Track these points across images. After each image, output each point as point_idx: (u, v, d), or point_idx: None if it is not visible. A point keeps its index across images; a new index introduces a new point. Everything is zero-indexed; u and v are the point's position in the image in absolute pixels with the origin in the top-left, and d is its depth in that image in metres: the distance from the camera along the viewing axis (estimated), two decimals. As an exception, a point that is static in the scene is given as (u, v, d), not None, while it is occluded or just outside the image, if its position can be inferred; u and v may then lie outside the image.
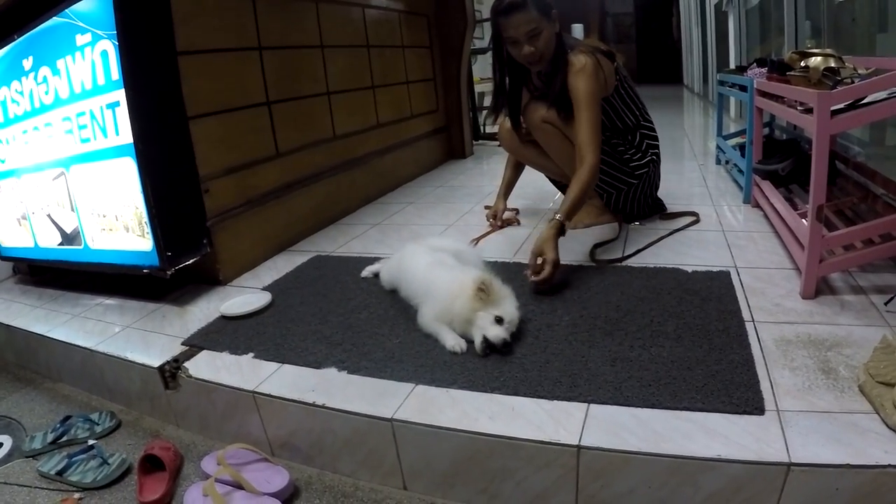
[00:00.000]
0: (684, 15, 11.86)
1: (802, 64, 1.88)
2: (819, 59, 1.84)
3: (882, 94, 1.38)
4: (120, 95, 1.64)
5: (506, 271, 1.54)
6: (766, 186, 2.11)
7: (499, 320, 1.31)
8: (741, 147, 2.68)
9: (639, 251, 1.90)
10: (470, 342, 1.33)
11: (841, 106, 1.41)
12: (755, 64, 2.55)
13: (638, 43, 16.54)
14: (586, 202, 2.07)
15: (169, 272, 1.73)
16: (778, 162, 2.13)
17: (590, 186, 1.89)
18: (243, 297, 1.75)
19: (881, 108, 1.37)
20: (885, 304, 1.39)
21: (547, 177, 2.46)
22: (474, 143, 4.36)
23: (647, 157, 2.14)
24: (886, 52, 2.30)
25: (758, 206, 2.28)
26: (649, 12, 16.31)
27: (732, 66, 4.77)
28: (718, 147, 3.25)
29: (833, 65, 1.79)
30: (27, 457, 1.42)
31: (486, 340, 1.29)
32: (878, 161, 2.24)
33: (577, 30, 11.88)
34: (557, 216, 1.74)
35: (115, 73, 1.63)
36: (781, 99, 1.95)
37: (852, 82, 1.62)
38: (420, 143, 3.63)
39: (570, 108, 1.97)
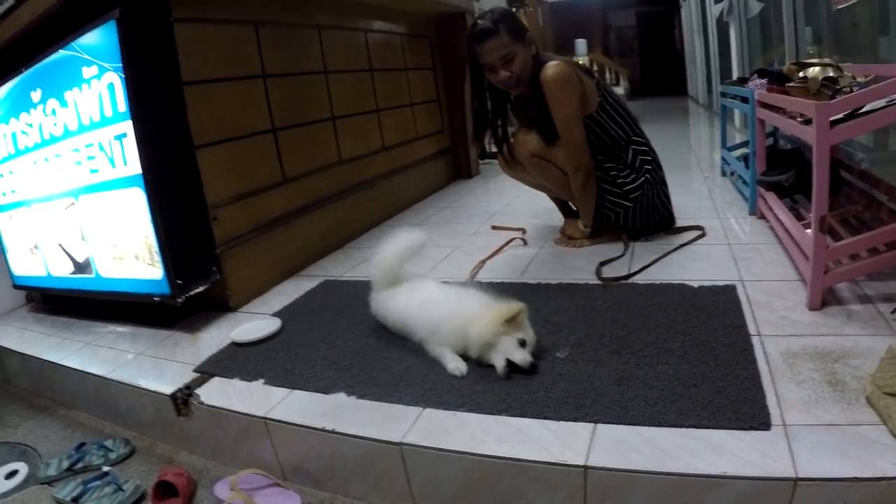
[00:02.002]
0: (686, 26, 11.90)
1: (801, 75, 1.92)
2: (817, 69, 1.88)
3: (881, 103, 1.39)
4: (127, 127, 1.68)
5: (513, 292, 1.54)
6: (771, 198, 2.12)
7: (522, 343, 1.32)
8: (746, 158, 2.69)
9: (644, 268, 1.91)
10: (485, 366, 1.34)
11: (840, 116, 1.41)
12: (756, 75, 2.56)
13: (641, 56, 16.67)
14: (589, 222, 2.15)
15: (180, 300, 1.76)
16: (782, 173, 2.14)
17: (589, 187, 2.06)
18: (253, 323, 1.77)
19: (880, 117, 1.38)
20: (893, 312, 1.39)
21: (549, 196, 2.48)
22: (480, 162, 4.40)
23: (641, 176, 2.14)
24: (889, 55, 2.32)
25: (763, 217, 2.29)
26: (652, 25, 16.46)
27: (735, 76, 4.79)
28: (723, 159, 3.26)
29: (831, 74, 1.83)
30: (43, 483, 1.44)
31: (509, 364, 1.30)
32: (883, 166, 2.25)
33: (581, 45, 11.99)
34: (583, 228, 2.09)
35: (122, 105, 1.67)
36: (782, 110, 1.95)
37: (851, 91, 1.64)
38: (426, 164, 3.66)
39: (552, 128, 2.03)
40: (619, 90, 7.72)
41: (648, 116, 8.60)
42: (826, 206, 1.41)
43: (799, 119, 1.69)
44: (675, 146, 4.96)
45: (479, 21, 2.00)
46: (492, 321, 1.34)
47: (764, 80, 2.36)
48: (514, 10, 11.60)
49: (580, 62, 9.06)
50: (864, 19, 2.53)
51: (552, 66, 1.97)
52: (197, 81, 1.90)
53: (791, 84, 1.93)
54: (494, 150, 2.33)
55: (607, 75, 12.41)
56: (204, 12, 1.96)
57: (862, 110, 1.41)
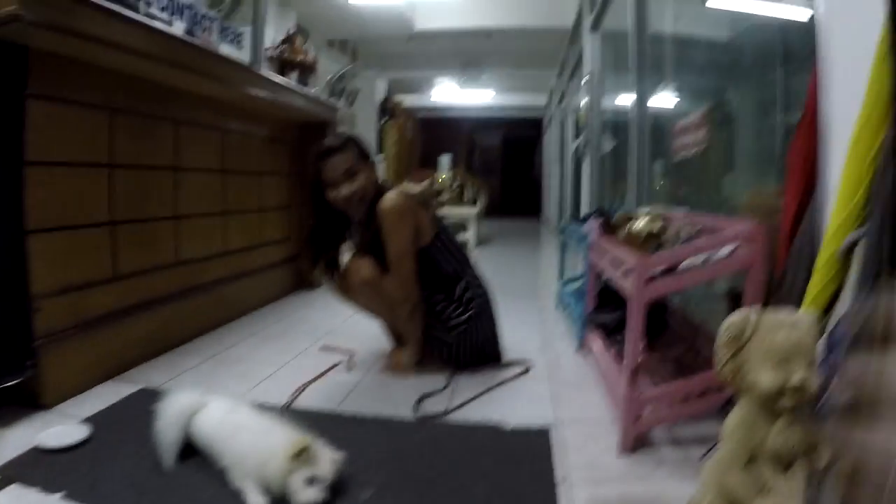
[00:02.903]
0: (547, 153, 13.09)
1: (628, 227, 2.17)
2: (644, 221, 2.13)
3: (699, 259, 1.67)
4: None
5: (329, 422, 1.66)
6: (595, 337, 2.43)
7: (311, 481, 1.37)
8: (579, 293, 3.01)
9: (462, 405, 2.08)
10: None
11: (658, 271, 1.65)
12: (595, 214, 2.90)
13: (503, 176, 17.93)
14: (415, 353, 2.39)
15: (-13, 392, 1.78)
16: (610, 312, 2.45)
17: (415, 319, 2.31)
18: (63, 427, 1.81)
19: (697, 274, 1.66)
20: (701, 458, 1.52)
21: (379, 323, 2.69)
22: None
23: (468, 310, 2.39)
24: (731, 190, 2.73)
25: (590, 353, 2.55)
26: (515, 148, 17.99)
27: (585, 205, 5.36)
28: (560, 291, 3.66)
29: (656, 229, 2.09)
30: None
31: None
32: (710, 302, 2.53)
33: (445, 160, 12.75)
34: (409, 358, 2.31)
35: None
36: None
37: (674, 246, 1.93)
38: (269, 271, 3.82)
39: (385, 256, 2.28)
40: (476, 208, 8.31)
41: (501, 237, 9.31)
42: (638, 357, 1.68)
43: (621, 270, 1.88)
44: (520, 271, 5.53)
45: (326, 140, 2.29)
46: (280, 457, 1.38)
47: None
48: (384, 121, 12.23)
49: (442, 177, 9.46)
50: (711, 161, 2.90)
51: (390, 198, 2.23)
52: (41, 163, 1.99)
53: (617, 235, 2.24)
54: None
55: (467, 192, 13.20)
56: (61, 91, 2.07)
57: (680, 267, 1.66)
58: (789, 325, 1.09)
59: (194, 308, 2.93)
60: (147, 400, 2.08)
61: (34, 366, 1.94)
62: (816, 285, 1.28)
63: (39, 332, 1.98)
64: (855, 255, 1.20)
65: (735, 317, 1.14)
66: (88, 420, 1.91)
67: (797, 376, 1.04)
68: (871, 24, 1.21)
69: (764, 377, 1.07)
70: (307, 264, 2.52)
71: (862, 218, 1.19)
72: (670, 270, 1.68)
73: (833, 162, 1.35)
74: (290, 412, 1.74)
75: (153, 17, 2.63)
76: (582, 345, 2.70)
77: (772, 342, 1.07)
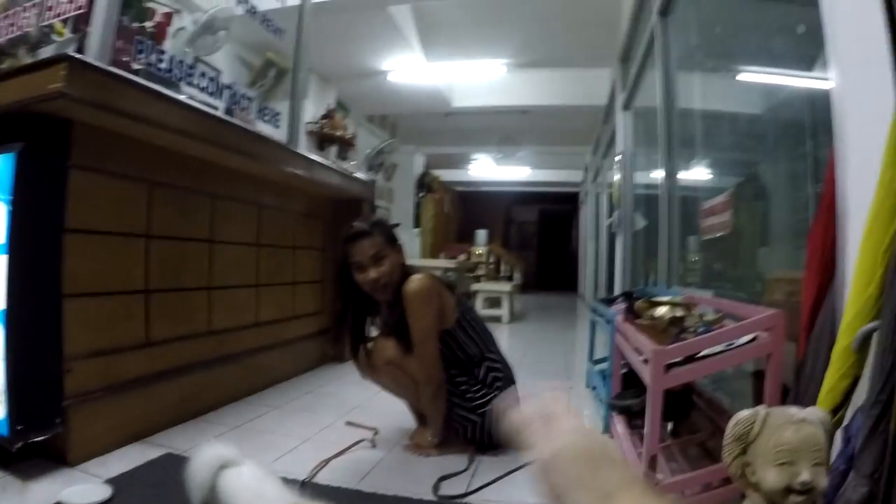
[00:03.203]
0: (583, 228, 13.10)
1: (650, 313, 2.17)
2: (665, 308, 2.12)
3: (719, 347, 1.67)
4: (1, 260, 1.84)
5: (349, 499, 1.64)
6: (620, 421, 2.41)
7: None
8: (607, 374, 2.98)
9: (483, 487, 2.07)
10: None
11: (678, 359, 1.65)
12: (622, 298, 2.92)
13: (539, 251, 17.90)
14: (438, 433, 2.39)
15: (16, 446, 1.85)
16: (634, 396, 2.42)
17: (438, 399, 2.31)
18: (85, 486, 1.86)
19: (716, 363, 1.65)
20: None
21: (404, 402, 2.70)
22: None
23: (492, 391, 2.40)
24: (766, 265, 2.70)
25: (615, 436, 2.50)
26: (552, 223, 18.00)
27: (619, 282, 5.33)
28: (589, 371, 3.64)
29: (679, 314, 2.08)
30: None
31: None
32: (740, 382, 2.47)
33: (481, 235, 12.91)
34: (431, 438, 2.26)
35: (2, 237, 1.85)
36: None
37: (696, 332, 1.92)
38: (299, 343, 3.87)
39: (410, 338, 2.32)
40: (511, 283, 8.32)
41: (536, 312, 9.23)
42: (657, 444, 1.66)
43: (641, 357, 1.89)
44: (552, 347, 5.45)
45: (355, 224, 2.35)
46: None
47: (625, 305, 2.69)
48: (422, 195, 12.45)
49: (478, 252, 9.58)
50: (746, 235, 2.89)
51: (416, 280, 2.31)
52: (81, 230, 2.10)
53: (640, 321, 2.24)
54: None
55: (503, 267, 13.29)
56: (102, 163, 2.20)
57: (699, 354, 1.67)
58: (797, 422, 1.08)
59: (223, 377, 2.97)
60: (171, 465, 2.14)
61: (62, 423, 2.00)
62: (832, 377, 1.28)
63: (69, 392, 2.04)
64: (871, 346, 1.19)
65: (743, 414, 1.14)
66: (111, 481, 1.94)
67: (802, 476, 1.03)
68: (888, 103, 1.23)
69: (769, 476, 1.06)
70: (333, 344, 2.55)
71: (876, 310, 1.19)
72: (690, 358, 1.68)
73: (849, 250, 1.35)
74: (310, 486, 1.74)
75: (193, 96, 2.76)
76: (607, 427, 2.68)
77: (778, 440, 1.07)
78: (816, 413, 1.11)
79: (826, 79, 1.52)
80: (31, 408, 1.90)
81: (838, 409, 1.25)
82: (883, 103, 1.25)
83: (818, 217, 1.52)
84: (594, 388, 3.40)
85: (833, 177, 1.46)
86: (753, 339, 1.66)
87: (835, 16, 1.49)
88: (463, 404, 2.39)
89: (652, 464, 1.66)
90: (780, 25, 2.52)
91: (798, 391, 1.47)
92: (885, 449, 1.07)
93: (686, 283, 3.59)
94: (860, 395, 1.21)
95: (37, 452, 2.01)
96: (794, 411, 1.11)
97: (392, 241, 2.36)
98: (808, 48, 1.61)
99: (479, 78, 8.22)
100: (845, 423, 1.22)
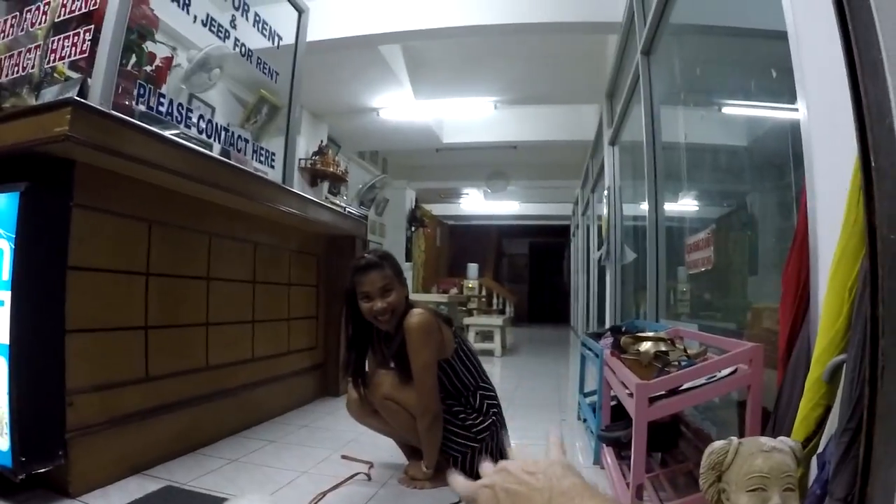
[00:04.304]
0: (573, 260, 13.16)
1: (635, 348, 2.24)
2: (650, 343, 2.20)
3: (701, 380, 1.74)
4: (5, 296, 1.91)
5: None
6: (609, 452, 2.47)
7: None
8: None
9: None
10: None
11: (662, 392, 1.72)
12: (609, 332, 2.98)
13: (530, 283, 17.93)
14: (433, 464, 2.43)
15: (19, 476, 1.90)
16: (624, 427, 2.48)
17: (435, 430, 2.34)
18: (86, 519, 1.89)
19: (698, 395, 1.74)
20: None
21: (393, 440, 2.75)
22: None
23: (488, 418, 2.46)
24: (754, 295, 2.74)
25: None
26: (543, 256, 18.01)
27: (609, 315, 5.38)
28: (580, 403, 3.69)
29: (663, 348, 2.15)
30: None
31: None
32: (727, 410, 2.55)
33: (473, 269, 12.97)
34: (426, 469, 2.31)
35: (6, 274, 1.91)
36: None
37: (679, 365, 2.00)
38: (294, 378, 3.91)
39: (408, 368, 2.39)
40: (502, 317, 8.35)
41: (528, 345, 9.25)
42: (643, 474, 1.73)
43: (626, 390, 1.95)
44: (545, 381, 5.49)
45: (366, 255, 2.45)
46: None
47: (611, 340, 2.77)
48: (413, 229, 12.53)
49: (470, 285, 9.60)
50: (734, 265, 2.96)
51: (417, 314, 2.38)
52: (82, 268, 2.17)
53: (625, 356, 2.30)
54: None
55: (495, 300, 13.33)
56: (103, 202, 2.28)
57: (682, 387, 1.75)
58: (768, 450, 1.15)
59: (220, 411, 3.02)
60: (170, 497, 2.17)
61: (64, 455, 2.05)
62: (805, 406, 1.34)
63: (71, 424, 2.10)
64: (841, 377, 1.26)
65: (717, 444, 1.21)
66: (112, 513, 1.99)
67: (773, 501, 1.10)
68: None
69: (742, 501, 1.13)
70: (343, 371, 2.61)
71: (844, 343, 1.27)
72: (674, 391, 1.75)
73: (821, 284, 1.42)
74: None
75: (191, 138, 2.84)
76: (597, 458, 2.73)
77: (750, 468, 1.14)
78: (786, 442, 1.19)
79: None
80: (35, 440, 1.95)
81: (812, 436, 1.32)
82: (849, 140, 1.30)
83: (792, 251, 1.61)
84: (585, 421, 3.45)
85: (805, 213, 1.54)
86: (734, 372, 1.74)
87: (801, 51, 1.59)
88: (462, 432, 2.44)
89: (638, 493, 1.71)
90: (756, 60, 2.63)
91: (776, 418, 1.54)
92: (855, 474, 1.13)
93: (676, 314, 3.68)
94: (833, 423, 1.27)
95: (39, 483, 2.06)
96: (764, 440, 1.19)
97: (399, 275, 2.46)
98: (787, 82, 1.68)
99: (468, 115, 8.39)
100: (820, 449, 1.29)
